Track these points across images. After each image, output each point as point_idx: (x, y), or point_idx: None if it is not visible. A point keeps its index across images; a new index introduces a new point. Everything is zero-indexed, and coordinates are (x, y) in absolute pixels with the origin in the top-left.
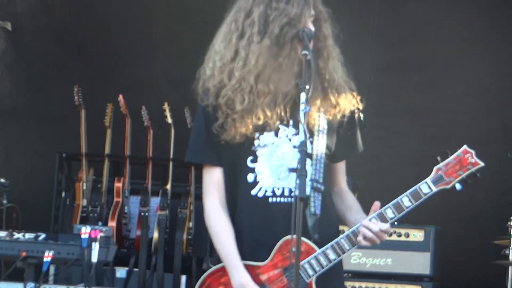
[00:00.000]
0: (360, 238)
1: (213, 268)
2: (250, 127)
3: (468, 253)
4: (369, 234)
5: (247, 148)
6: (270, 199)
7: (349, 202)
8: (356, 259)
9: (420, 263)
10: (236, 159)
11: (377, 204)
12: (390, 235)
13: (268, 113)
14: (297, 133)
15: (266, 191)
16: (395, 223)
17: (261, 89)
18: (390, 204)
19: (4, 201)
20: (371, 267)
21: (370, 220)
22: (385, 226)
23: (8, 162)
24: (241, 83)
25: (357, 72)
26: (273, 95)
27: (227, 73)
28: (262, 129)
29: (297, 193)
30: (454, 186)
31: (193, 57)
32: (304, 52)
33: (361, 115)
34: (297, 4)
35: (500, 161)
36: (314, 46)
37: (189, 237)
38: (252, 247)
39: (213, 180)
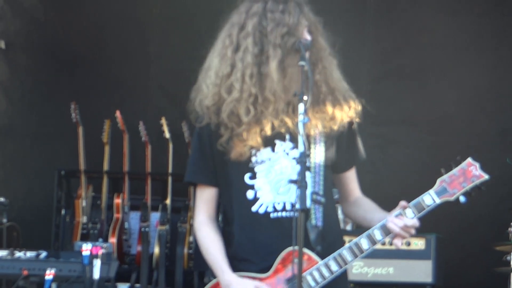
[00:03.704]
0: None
1: (213, 281)
2: (259, 139)
3: (469, 260)
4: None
5: (244, 165)
6: (271, 215)
7: (367, 205)
8: (358, 269)
9: (422, 271)
10: (232, 177)
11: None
12: (391, 244)
13: (275, 123)
14: (294, 147)
15: (267, 207)
16: None
17: (265, 99)
18: (394, 213)
19: (4, 220)
20: (373, 276)
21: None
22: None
23: (6, 181)
24: (243, 94)
25: (353, 81)
26: (276, 104)
27: (225, 87)
28: (258, 145)
29: (297, 204)
30: (457, 199)
31: (189, 71)
32: (301, 63)
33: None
34: (293, 13)
35: (498, 167)
36: (311, 57)
37: (190, 251)
38: (256, 262)
39: (204, 197)
